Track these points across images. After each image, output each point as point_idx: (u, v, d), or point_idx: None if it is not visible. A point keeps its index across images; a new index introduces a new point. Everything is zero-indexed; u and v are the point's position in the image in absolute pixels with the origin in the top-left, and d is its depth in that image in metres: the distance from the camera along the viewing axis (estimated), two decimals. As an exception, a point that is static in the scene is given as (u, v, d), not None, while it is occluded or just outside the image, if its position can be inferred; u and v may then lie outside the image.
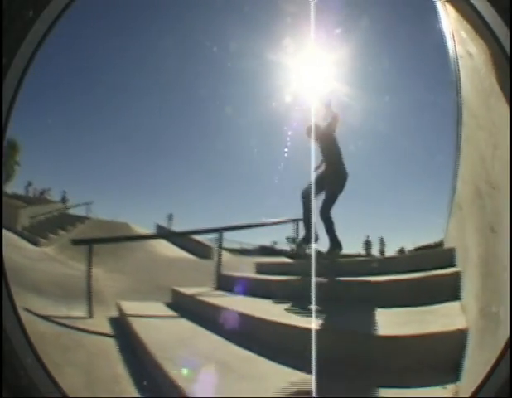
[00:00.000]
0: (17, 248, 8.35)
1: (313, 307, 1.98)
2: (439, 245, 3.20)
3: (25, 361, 0.81)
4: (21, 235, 11.72)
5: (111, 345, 2.54)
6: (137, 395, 1.56)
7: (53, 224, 13.37)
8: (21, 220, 13.45)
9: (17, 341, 0.81)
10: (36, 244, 10.83)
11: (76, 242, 3.61)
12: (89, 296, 3.19)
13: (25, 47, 0.77)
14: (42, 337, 2.26)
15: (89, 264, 3.29)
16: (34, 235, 11.53)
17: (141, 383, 1.85)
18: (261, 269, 3.80)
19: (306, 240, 3.58)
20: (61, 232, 12.15)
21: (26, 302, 3.18)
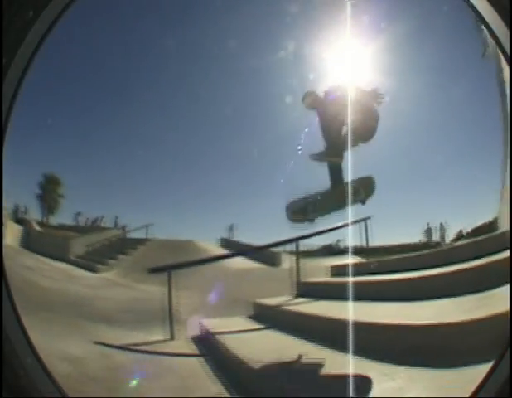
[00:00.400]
0: (74, 277, 8.25)
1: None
2: (493, 223, 3.19)
3: (25, 361, 0.81)
4: (75, 264, 11.62)
5: (200, 364, 2.44)
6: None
7: (112, 249, 13.29)
8: (75, 249, 13.40)
9: (17, 341, 0.81)
10: (94, 271, 10.65)
11: (154, 270, 3.62)
12: (171, 318, 3.26)
13: (25, 47, 0.77)
14: (124, 368, 2.28)
15: (170, 289, 3.43)
16: (91, 262, 11.43)
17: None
18: (337, 271, 3.70)
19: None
20: (121, 256, 12.05)
21: (99, 335, 3.16)
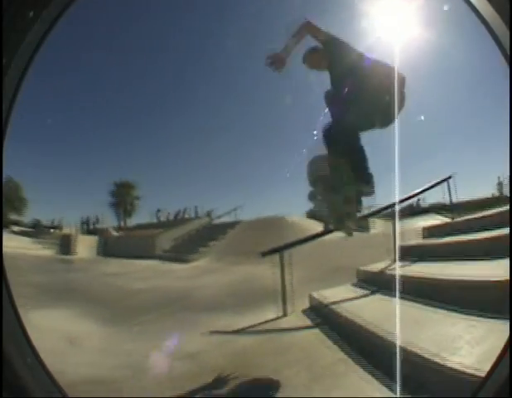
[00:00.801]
0: (166, 272, 8.42)
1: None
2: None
3: (25, 361, 0.82)
4: (164, 258, 11.53)
5: (319, 335, 2.52)
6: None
7: (201, 238, 13.64)
8: (161, 245, 13.77)
9: (17, 341, 0.82)
10: (185, 261, 10.54)
11: (265, 253, 3.68)
12: (284, 296, 3.34)
13: (25, 47, 0.77)
14: (244, 353, 2.34)
15: (282, 269, 3.50)
16: (180, 254, 11.29)
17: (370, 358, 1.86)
18: (428, 232, 3.77)
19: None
20: (212, 243, 12.31)
21: (210, 324, 3.22)
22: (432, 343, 1.58)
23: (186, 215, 19.58)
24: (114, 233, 17.19)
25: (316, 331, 2.64)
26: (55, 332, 3.31)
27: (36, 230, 21.99)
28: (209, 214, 17.20)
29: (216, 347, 2.62)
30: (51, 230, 22.73)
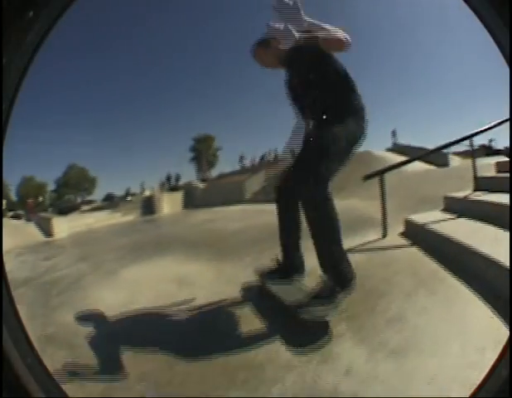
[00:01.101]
0: (260, 212, 8.04)
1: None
2: None
3: (25, 361, 0.82)
4: (254, 201, 11.81)
5: (416, 252, 2.82)
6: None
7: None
8: (250, 188, 13.77)
9: (17, 341, 0.82)
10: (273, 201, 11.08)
11: (367, 177, 3.93)
12: (384, 219, 3.63)
13: (25, 47, 0.77)
14: (357, 266, 2.43)
15: (383, 193, 3.75)
16: (271, 195, 11.69)
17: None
18: (501, 167, 4.05)
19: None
20: None
21: None
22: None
23: (269, 158, 19.64)
24: (200, 185, 17.03)
25: (414, 249, 2.94)
26: (166, 277, 3.45)
27: (111, 203, 22.09)
28: (292, 152, 17.29)
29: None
30: (128, 198, 22.90)
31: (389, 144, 16.95)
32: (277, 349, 1.68)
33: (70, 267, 5.17)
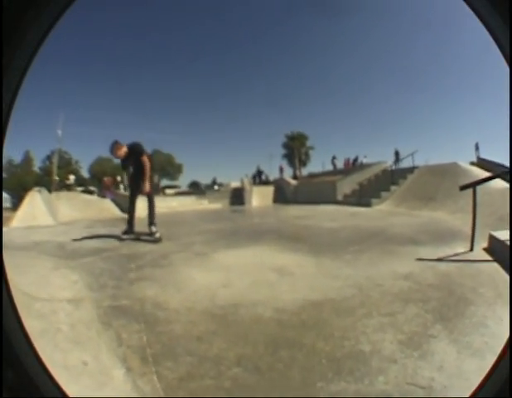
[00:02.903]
0: (353, 213, 8.51)
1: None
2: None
3: (25, 361, 0.82)
4: (346, 203, 11.84)
5: (498, 268, 3.04)
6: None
7: (381, 182, 12.99)
8: (342, 189, 13.49)
9: (17, 341, 0.82)
10: (367, 205, 10.78)
11: (463, 187, 4.17)
12: (473, 233, 3.87)
13: (25, 47, 0.77)
14: (448, 275, 2.97)
15: (474, 204, 3.95)
16: (362, 198, 11.43)
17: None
18: None
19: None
20: (393, 187, 11.90)
21: (412, 252, 3.79)
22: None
23: (364, 161, 19.56)
24: (292, 181, 16.85)
25: (495, 264, 3.16)
26: (264, 265, 3.40)
27: (197, 190, 21.69)
28: (397, 154, 17.12)
29: (425, 270, 3.10)
30: (215, 187, 22.55)
31: (472, 157, 16.34)
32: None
33: (154, 244, 4.80)
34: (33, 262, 3.70)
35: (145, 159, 4.98)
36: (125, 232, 5.37)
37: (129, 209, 5.30)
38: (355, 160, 21.84)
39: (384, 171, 14.38)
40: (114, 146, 5.00)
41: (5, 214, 11.71)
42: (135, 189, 5.24)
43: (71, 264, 3.70)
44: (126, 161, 5.19)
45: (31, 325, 1.79)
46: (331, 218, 7.67)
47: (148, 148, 5.55)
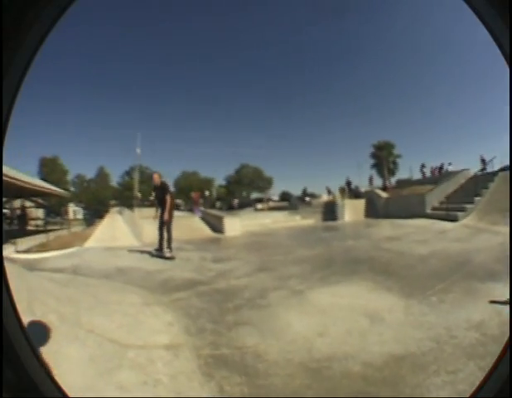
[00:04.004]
0: (440, 232, 8.40)
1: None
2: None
3: (25, 361, 0.82)
4: (434, 217, 11.64)
5: None
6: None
7: (466, 193, 12.70)
8: (430, 202, 13.02)
9: (17, 341, 0.82)
10: (454, 220, 10.49)
11: None
12: None
13: (25, 47, 0.77)
14: None
15: None
16: (449, 211, 11.27)
17: None
18: None
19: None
20: (477, 198, 11.66)
21: (490, 292, 3.57)
22: None
23: (449, 169, 19.13)
24: (382, 194, 16.66)
25: None
26: (357, 308, 3.34)
27: (289, 203, 21.39)
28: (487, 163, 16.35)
29: (493, 317, 2.91)
30: (306, 199, 22.27)
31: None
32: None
33: (249, 276, 4.64)
34: (119, 297, 3.43)
35: (168, 197, 6.32)
36: (156, 250, 6.42)
37: (159, 231, 6.49)
38: (441, 168, 21.70)
39: (468, 180, 14.39)
40: (156, 175, 6.82)
41: (77, 229, 11.22)
42: (160, 217, 6.44)
43: (163, 299, 3.47)
44: (157, 190, 6.65)
45: (126, 377, 1.71)
46: (422, 239, 7.63)
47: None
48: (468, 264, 5.15)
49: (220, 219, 10.46)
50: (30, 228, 14.23)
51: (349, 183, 21.86)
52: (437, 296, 3.70)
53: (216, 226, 10.54)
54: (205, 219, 11.74)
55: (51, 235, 9.68)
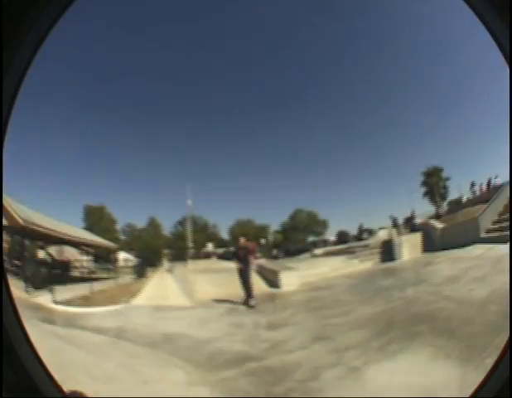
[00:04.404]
0: (497, 262, 7.64)
1: None
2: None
3: (25, 361, 0.81)
4: (488, 240, 10.94)
5: None
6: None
7: None
8: (484, 225, 12.32)
9: (17, 341, 0.81)
10: (506, 241, 9.32)
11: None
12: None
13: (25, 47, 0.77)
14: None
15: None
16: (502, 232, 10.56)
17: None
18: None
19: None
20: None
21: None
22: None
23: (497, 181, 18.12)
24: (437, 225, 16.12)
25: None
26: (416, 390, 3.03)
27: (346, 246, 20.23)
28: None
29: None
30: (364, 236, 21.41)
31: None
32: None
33: (304, 348, 4.23)
34: (162, 372, 3.21)
35: (251, 258, 7.37)
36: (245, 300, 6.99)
37: (243, 284, 7.23)
38: (489, 183, 20.98)
39: None
40: (244, 240, 7.79)
41: (126, 280, 10.46)
42: (243, 272, 7.26)
43: (210, 378, 3.22)
44: (241, 250, 7.48)
45: None
46: (480, 276, 7.12)
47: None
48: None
49: (276, 273, 10.28)
50: (73, 275, 13.37)
51: (409, 218, 20.97)
52: (493, 356, 3.21)
53: (272, 280, 10.27)
54: (262, 274, 11.35)
55: (96, 286, 9.01)
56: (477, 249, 10.14)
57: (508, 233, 10.43)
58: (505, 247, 9.31)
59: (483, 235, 12.27)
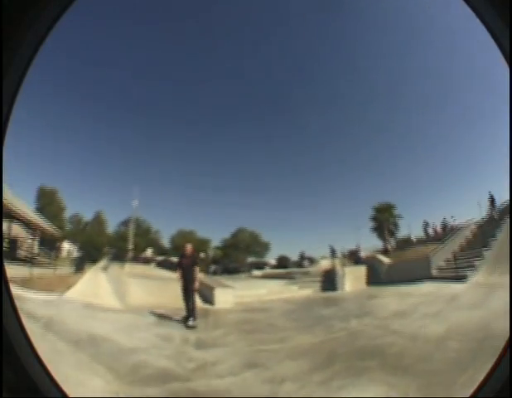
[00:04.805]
0: (451, 299, 7.41)
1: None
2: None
3: (25, 361, 0.81)
4: (440, 279, 10.60)
5: None
6: None
7: (472, 247, 12.01)
8: (436, 263, 12.01)
9: (17, 341, 0.81)
10: (462, 279, 9.70)
11: None
12: None
13: (25, 47, 0.77)
14: None
15: None
16: (456, 270, 10.52)
17: None
18: None
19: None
20: (485, 250, 10.76)
21: None
22: None
23: (455, 225, 18.10)
24: (384, 259, 15.84)
25: None
26: None
27: (286, 271, 19.89)
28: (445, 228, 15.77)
29: None
30: (305, 263, 21.14)
31: None
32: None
33: (234, 374, 3.89)
34: (81, 377, 3.01)
35: (196, 268, 6.51)
36: (184, 318, 6.23)
37: (185, 300, 6.42)
38: (445, 224, 20.73)
39: (474, 232, 13.88)
40: (190, 246, 6.84)
41: (64, 271, 10.41)
42: (186, 285, 6.37)
43: (130, 392, 3.01)
44: (186, 259, 6.57)
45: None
46: (434, 312, 6.66)
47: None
48: (490, 340, 3.82)
49: (211, 289, 9.87)
50: (16, 254, 13.40)
51: (351, 252, 20.74)
52: (461, 392, 2.79)
53: (207, 296, 9.85)
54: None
55: (36, 270, 9.05)
56: (428, 287, 9.66)
57: (465, 273, 10.20)
58: (460, 286, 9.10)
59: (435, 273, 11.96)
